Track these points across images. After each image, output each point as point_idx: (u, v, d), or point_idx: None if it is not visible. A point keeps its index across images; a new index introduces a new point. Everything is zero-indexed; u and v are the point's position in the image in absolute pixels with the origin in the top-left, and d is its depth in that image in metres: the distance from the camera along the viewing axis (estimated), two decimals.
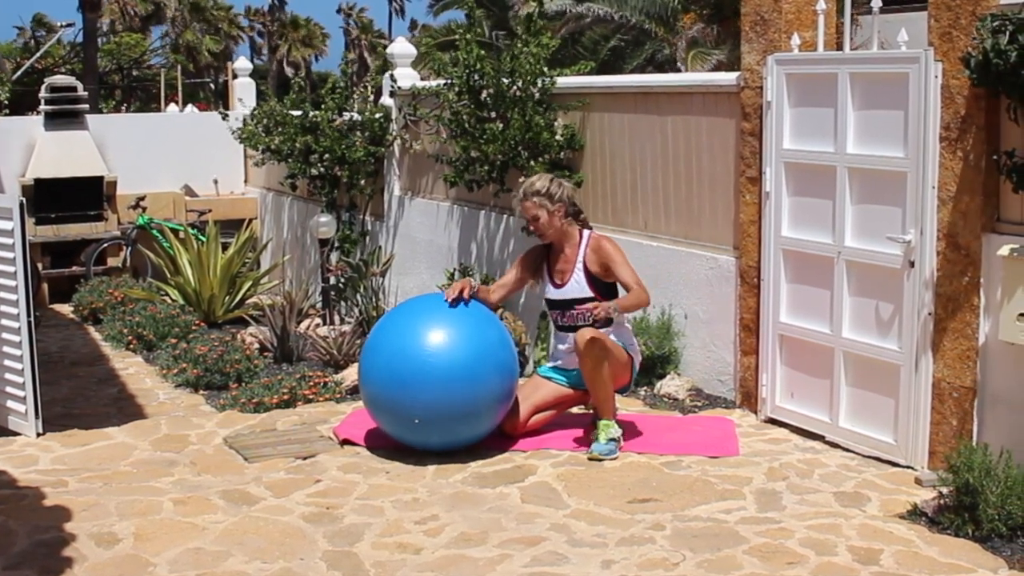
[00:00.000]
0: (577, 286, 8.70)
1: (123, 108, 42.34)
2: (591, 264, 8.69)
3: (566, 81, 11.75)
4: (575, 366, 8.65)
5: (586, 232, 8.86)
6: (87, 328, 14.85)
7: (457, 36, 12.39)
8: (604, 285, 8.72)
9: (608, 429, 8.39)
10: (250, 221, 18.22)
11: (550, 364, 9.04)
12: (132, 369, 12.22)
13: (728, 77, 9.76)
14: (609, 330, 8.61)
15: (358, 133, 14.59)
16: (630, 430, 8.91)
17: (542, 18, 12.21)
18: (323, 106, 14.96)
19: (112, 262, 17.80)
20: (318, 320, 13.77)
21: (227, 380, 11.07)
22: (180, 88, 34.08)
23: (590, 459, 8.25)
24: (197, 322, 13.86)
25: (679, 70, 23.10)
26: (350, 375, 10.72)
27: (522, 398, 8.78)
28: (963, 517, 6.94)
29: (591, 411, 8.98)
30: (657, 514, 7.29)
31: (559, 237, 8.78)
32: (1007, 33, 6.99)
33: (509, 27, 28.16)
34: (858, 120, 8.39)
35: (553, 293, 8.85)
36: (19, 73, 28.62)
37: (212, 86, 57.61)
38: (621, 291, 8.72)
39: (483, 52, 12.09)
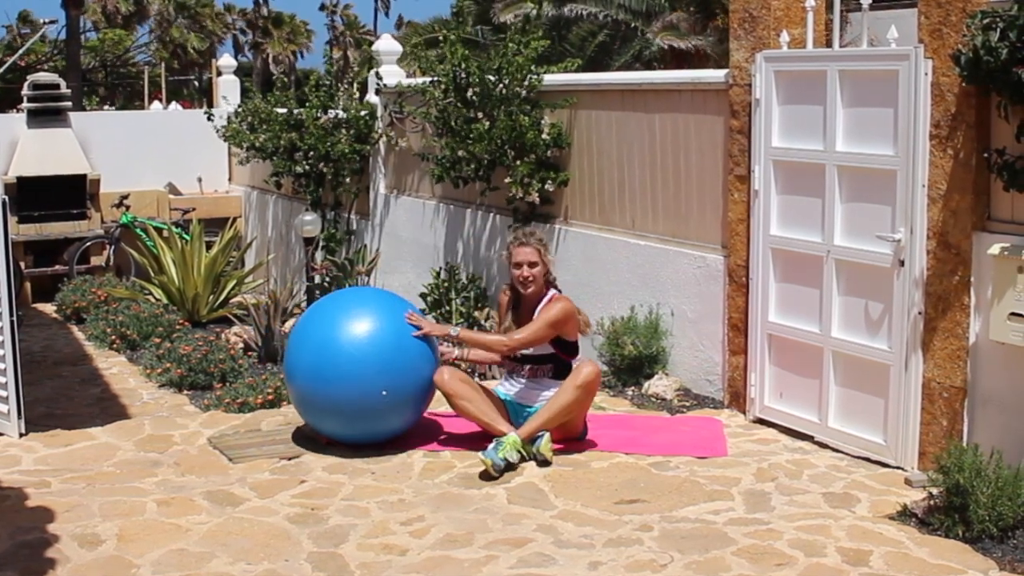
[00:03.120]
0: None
1: (106, 105, 42.31)
2: None
3: (553, 79, 11.73)
4: (525, 402, 8.67)
5: (551, 291, 8.75)
6: (70, 327, 14.80)
7: (442, 35, 12.34)
8: (563, 342, 8.64)
9: (515, 447, 8.12)
10: (234, 219, 18.10)
11: (504, 392, 8.88)
12: (115, 369, 12.18)
13: (716, 74, 9.76)
14: None
15: (343, 131, 14.56)
16: (618, 430, 8.92)
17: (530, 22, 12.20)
18: (307, 103, 14.92)
19: (95, 261, 17.73)
20: None
21: (211, 380, 11.02)
22: (164, 85, 34.05)
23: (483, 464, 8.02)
24: (181, 321, 13.80)
25: (668, 50, 23.21)
26: None
27: (475, 384, 8.75)
28: (953, 518, 6.93)
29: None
30: (645, 515, 7.28)
31: (537, 290, 8.68)
32: (997, 30, 7.00)
33: (493, 22, 28.12)
34: (847, 118, 8.39)
35: None
36: (2, 70, 28.53)
37: (196, 83, 57.64)
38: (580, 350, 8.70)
39: (467, 52, 12.05)
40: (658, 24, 24.04)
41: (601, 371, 8.45)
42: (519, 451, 8.10)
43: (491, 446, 8.04)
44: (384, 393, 8.32)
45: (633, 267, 10.60)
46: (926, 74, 7.71)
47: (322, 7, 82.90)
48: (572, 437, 8.63)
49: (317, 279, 14.01)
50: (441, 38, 12.36)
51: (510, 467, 8.00)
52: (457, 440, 8.67)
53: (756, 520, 7.19)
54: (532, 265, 8.58)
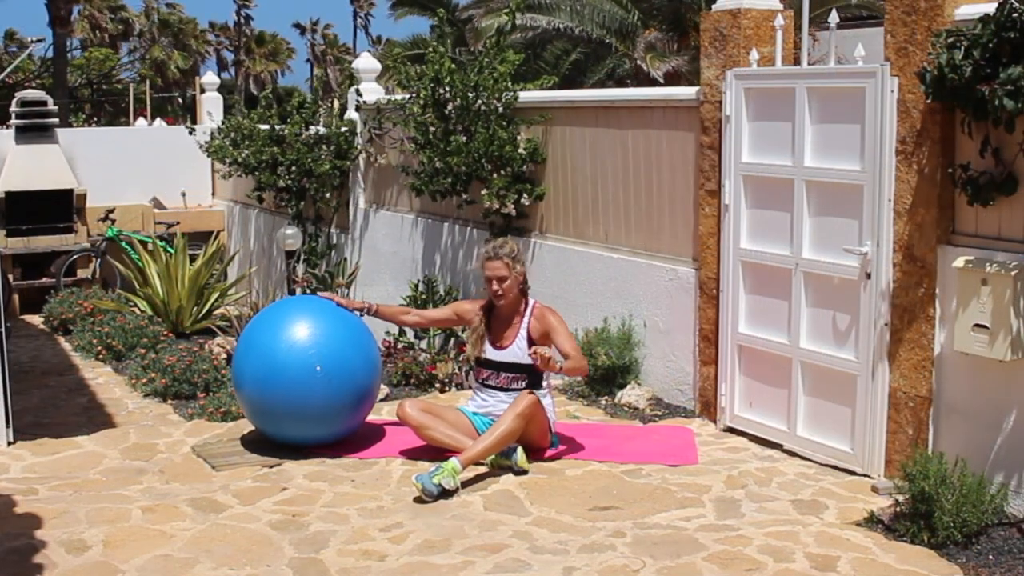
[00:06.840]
0: (519, 351, 8.77)
1: (92, 122, 42.30)
2: (534, 332, 8.78)
3: (529, 95, 11.83)
4: (497, 411, 8.76)
5: (531, 301, 8.95)
6: (57, 338, 14.83)
7: (428, 50, 12.41)
8: None
9: (453, 475, 8.04)
10: (218, 233, 18.27)
11: (474, 409, 9.04)
12: (101, 379, 12.21)
13: (688, 92, 9.85)
14: (541, 393, 8.75)
15: (324, 147, 14.66)
16: (591, 439, 9.05)
17: (504, 35, 12.26)
18: (290, 120, 15.03)
19: (82, 273, 17.76)
20: None
21: (195, 390, 11.09)
22: (148, 102, 34.04)
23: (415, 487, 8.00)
24: (165, 332, 13.86)
25: (641, 70, 23.34)
26: None
27: (437, 410, 8.95)
28: (919, 525, 7.05)
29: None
30: (618, 521, 7.40)
31: (511, 302, 8.86)
32: (961, 48, 7.09)
33: (468, 43, 28.20)
34: (815, 134, 8.49)
35: (492, 354, 8.91)
36: None
37: (180, 100, 57.53)
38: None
39: (453, 65, 12.14)
40: (641, 45, 24.09)
41: (539, 400, 8.60)
42: (455, 477, 8.02)
43: (430, 470, 8.00)
44: (318, 368, 8.60)
45: (606, 279, 10.72)
46: (892, 91, 7.81)
47: (296, 26, 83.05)
48: (542, 448, 8.77)
49: (298, 291, 14.09)
50: (430, 49, 12.41)
51: (445, 493, 7.91)
52: (435, 449, 8.72)
53: (726, 526, 7.30)
54: (501, 280, 8.74)
